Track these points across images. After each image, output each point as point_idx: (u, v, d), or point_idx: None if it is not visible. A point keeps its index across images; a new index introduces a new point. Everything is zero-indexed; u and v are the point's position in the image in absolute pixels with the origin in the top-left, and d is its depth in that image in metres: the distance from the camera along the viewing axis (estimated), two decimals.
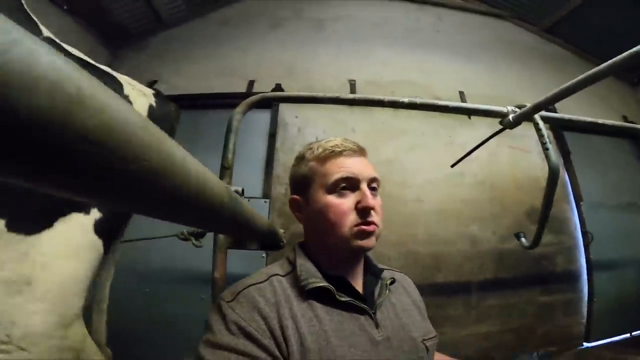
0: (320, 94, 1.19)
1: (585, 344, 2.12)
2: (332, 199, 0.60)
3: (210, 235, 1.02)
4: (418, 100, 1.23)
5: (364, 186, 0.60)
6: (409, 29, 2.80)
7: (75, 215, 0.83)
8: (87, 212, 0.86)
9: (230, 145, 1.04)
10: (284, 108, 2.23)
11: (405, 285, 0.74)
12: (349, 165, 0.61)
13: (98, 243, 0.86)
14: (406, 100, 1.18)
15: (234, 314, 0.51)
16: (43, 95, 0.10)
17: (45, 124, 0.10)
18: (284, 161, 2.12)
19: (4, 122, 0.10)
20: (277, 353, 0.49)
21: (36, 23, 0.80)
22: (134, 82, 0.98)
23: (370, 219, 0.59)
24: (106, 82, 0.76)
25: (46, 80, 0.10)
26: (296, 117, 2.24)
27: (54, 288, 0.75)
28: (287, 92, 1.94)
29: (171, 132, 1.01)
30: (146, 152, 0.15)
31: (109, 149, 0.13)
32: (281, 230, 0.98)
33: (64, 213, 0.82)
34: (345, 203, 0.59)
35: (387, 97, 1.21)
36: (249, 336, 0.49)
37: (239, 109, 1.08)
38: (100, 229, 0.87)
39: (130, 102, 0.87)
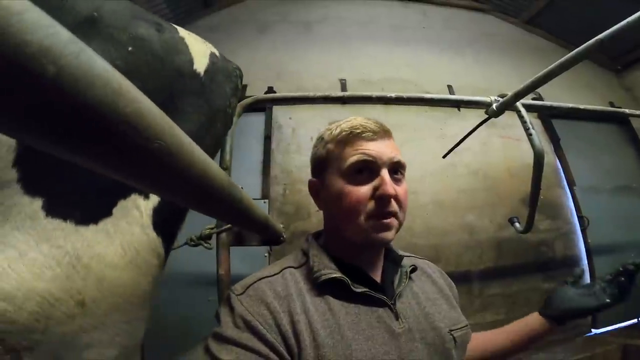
0: (311, 94, 1.24)
1: (594, 331, 2.12)
2: (347, 184, 0.55)
3: (213, 237, 1.06)
4: (405, 95, 1.28)
5: (383, 171, 0.54)
6: (396, 27, 2.86)
7: (135, 199, 0.57)
8: (147, 196, 0.59)
9: (227, 147, 1.10)
10: (277, 110, 2.28)
11: (430, 273, 0.69)
12: (369, 148, 0.55)
13: (159, 245, 0.59)
14: (393, 95, 1.24)
15: (242, 307, 0.51)
16: (99, 88, 0.15)
17: (99, 107, 0.15)
18: (280, 162, 2.17)
19: (75, 104, 0.15)
20: (280, 349, 0.48)
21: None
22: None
23: (388, 210, 0.53)
24: (161, 27, 0.64)
25: (100, 78, 0.15)
26: (290, 118, 2.29)
27: (114, 312, 0.53)
28: (278, 94, 1.99)
29: (235, 93, 0.81)
30: (162, 135, 0.20)
31: (138, 130, 0.18)
32: (280, 225, 1.02)
33: (124, 194, 0.55)
34: (361, 190, 0.54)
35: (375, 93, 1.27)
36: (253, 330, 0.49)
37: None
38: (159, 223, 0.59)
39: (185, 44, 0.68)
